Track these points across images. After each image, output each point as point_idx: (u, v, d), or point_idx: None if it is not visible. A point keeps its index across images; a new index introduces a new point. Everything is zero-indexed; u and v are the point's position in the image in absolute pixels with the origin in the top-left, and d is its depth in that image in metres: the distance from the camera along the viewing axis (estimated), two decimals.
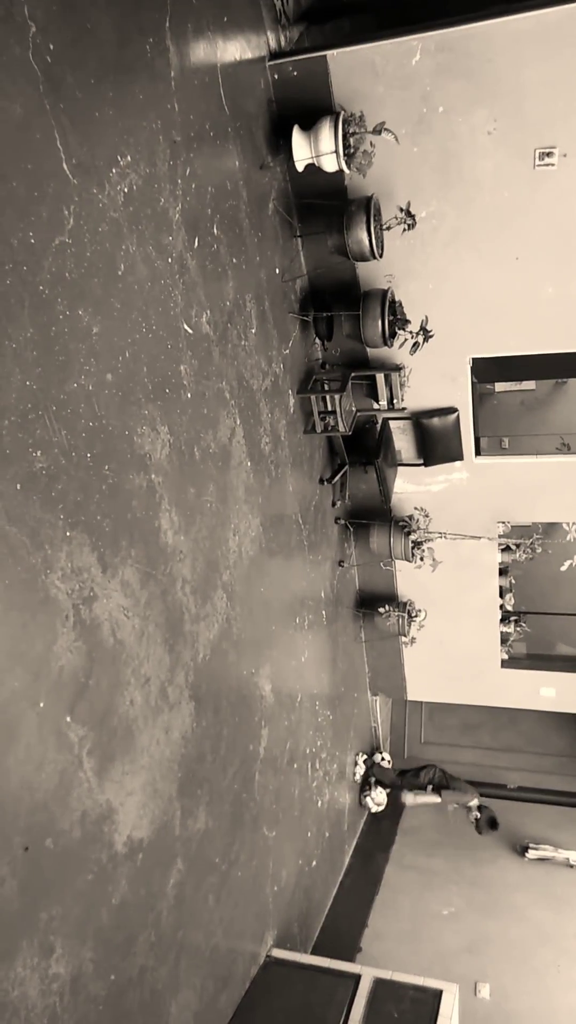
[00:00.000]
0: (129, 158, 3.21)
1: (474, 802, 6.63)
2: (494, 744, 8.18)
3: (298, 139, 4.65)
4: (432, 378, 5.90)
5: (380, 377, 5.88)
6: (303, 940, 5.67)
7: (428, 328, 5.46)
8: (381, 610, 6.78)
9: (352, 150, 4.58)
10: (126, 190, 3.19)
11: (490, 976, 5.86)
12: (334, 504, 6.41)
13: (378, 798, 7.34)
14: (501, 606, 6.94)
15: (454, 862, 7.01)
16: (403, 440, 6.33)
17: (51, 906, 2.80)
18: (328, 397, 5.42)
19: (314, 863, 5.95)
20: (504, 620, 7.03)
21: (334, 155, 4.58)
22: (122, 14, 3.16)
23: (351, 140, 4.57)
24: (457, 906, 6.56)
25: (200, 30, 3.85)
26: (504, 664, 7.25)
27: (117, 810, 3.18)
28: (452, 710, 8.26)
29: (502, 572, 6.83)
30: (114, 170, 3.11)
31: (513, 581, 6.97)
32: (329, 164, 4.66)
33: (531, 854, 6.90)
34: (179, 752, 3.70)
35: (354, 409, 5.92)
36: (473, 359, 5.79)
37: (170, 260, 3.58)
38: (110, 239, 3.10)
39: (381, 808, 7.37)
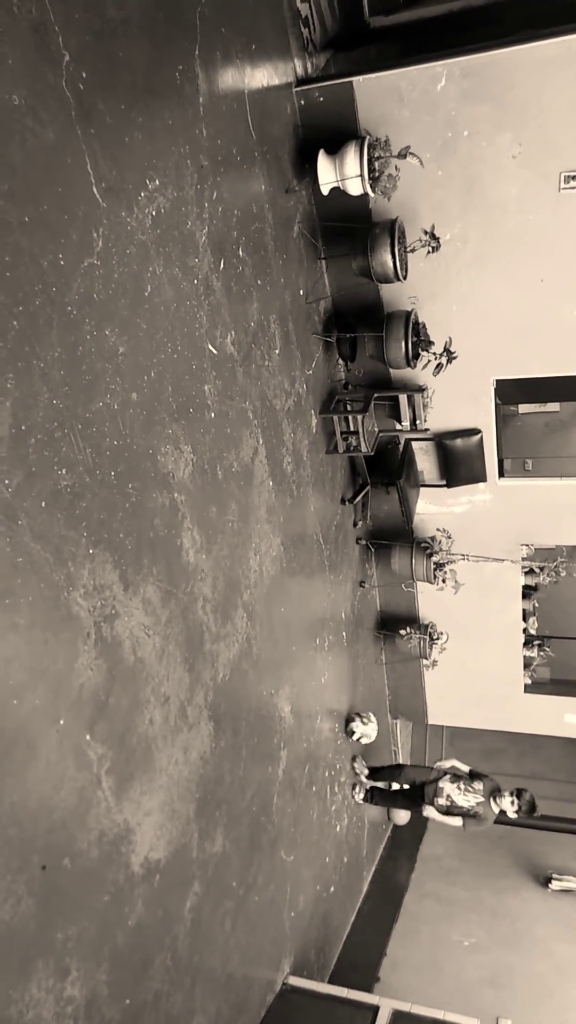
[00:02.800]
0: (157, 182, 3.26)
1: (505, 800, 5.43)
2: (517, 771, 8.03)
3: (324, 163, 4.70)
4: (455, 399, 5.88)
5: (403, 398, 5.88)
6: (320, 968, 5.57)
7: (452, 349, 5.46)
8: (402, 632, 6.72)
9: (377, 174, 4.62)
10: (154, 213, 3.24)
11: (512, 1012, 5.70)
12: (355, 524, 6.39)
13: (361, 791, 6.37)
14: (524, 630, 6.84)
15: (475, 891, 6.87)
16: (426, 461, 6.31)
17: (67, 927, 2.77)
18: (351, 417, 5.43)
19: (332, 889, 5.85)
20: (527, 644, 6.93)
21: (359, 179, 4.63)
22: (153, 43, 3.23)
23: (376, 164, 4.62)
24: (478, 937, 6.41)
25: (229, 57, 3.92)
26: (527, 689, 7.13)
27: (134, 830, 3.16)
28: (474, 735, 8.13)
29: (525, 595, 6.74)
30: (143, 193, 3.16)
31: (537, 604, 6.88)
32: (354, 188, 4.70)
33: (555, 885, 6.73)
34: (197, 773, 3.67)
35: (376, 430, 5.92)
36: (497, 380, 5.77)
37: (196, 282, 3.62)
38: (137, 261, 3.14)
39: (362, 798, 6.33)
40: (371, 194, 4.74)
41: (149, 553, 3.24)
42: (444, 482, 6.27)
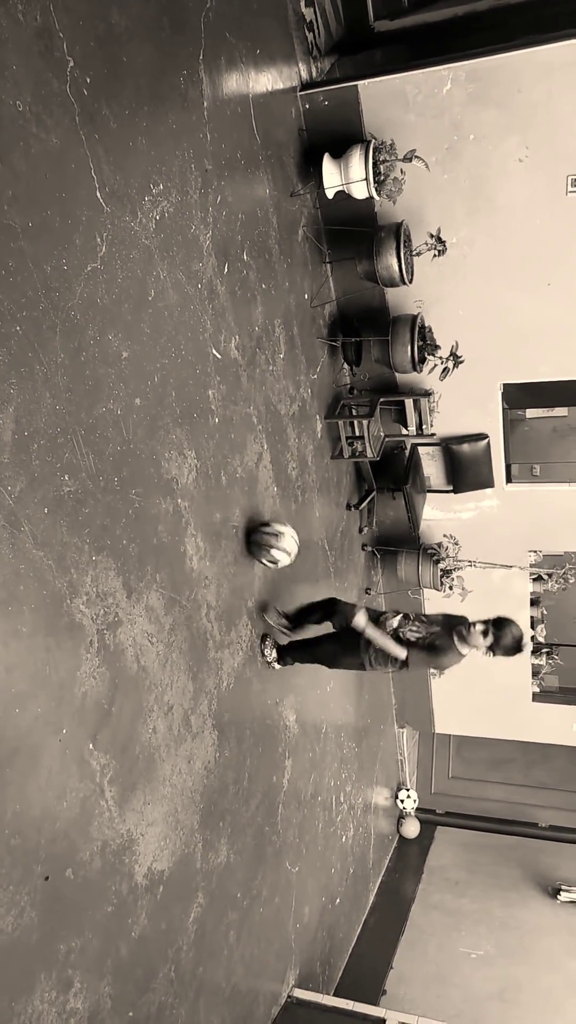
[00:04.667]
0: (161, 186, 3.24)
1: (475, 633, 3.89)
2: (525, 781, 7.93)
3: (328, 167, 4.68)
4: (462, 404, 5.84)
5: (409, 402, 5.84)
6: (326, 980, 5.50)
7: (458, 354, 5.43)
8: None
9: (382, 177, 4.61)
10: (158, 218, 3.22)
11: None
12: (361, 530, 6.34)
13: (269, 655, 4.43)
14: (532, 637, 6.78)
15: (483, 903, 6.79)
16: (432, 466, 6.27)
17: (70, 938, 2.74)
18: (356, 422, 5.39)
19: (338, 900, 5.79)
20: (536, 652, 6.86)
21: (364, 182, 4.61)
22: (157, 48, 3.22)
23: (381, 168, 4.60)
24: (486, 949, 6.33)
25: (233, 62, 3.91)
26: (535, 698, 7.06)
27: (138, 841, 3.12)
28: (481, 744, 8.05)
29: (533, 602, 6.68)
30: (146, 198, 3.14)
31: (545, 612, 6.81)
32: (359, 191, 4.68)
33: (563, 896, 6.64)
34: (201, 782, 3.63)
35: (382, 435, 5.88)
36: (504, 385, 5.73)
37: (200, 286, 3.60)
38: (141, 265, 3.12)
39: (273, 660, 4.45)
40: (376, 198, 4.72)
41: (152, 560, 3.21)
42: (451, 488, 6.22)
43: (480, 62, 4.57)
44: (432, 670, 4.04)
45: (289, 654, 4.42)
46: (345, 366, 5.80)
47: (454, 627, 4.03)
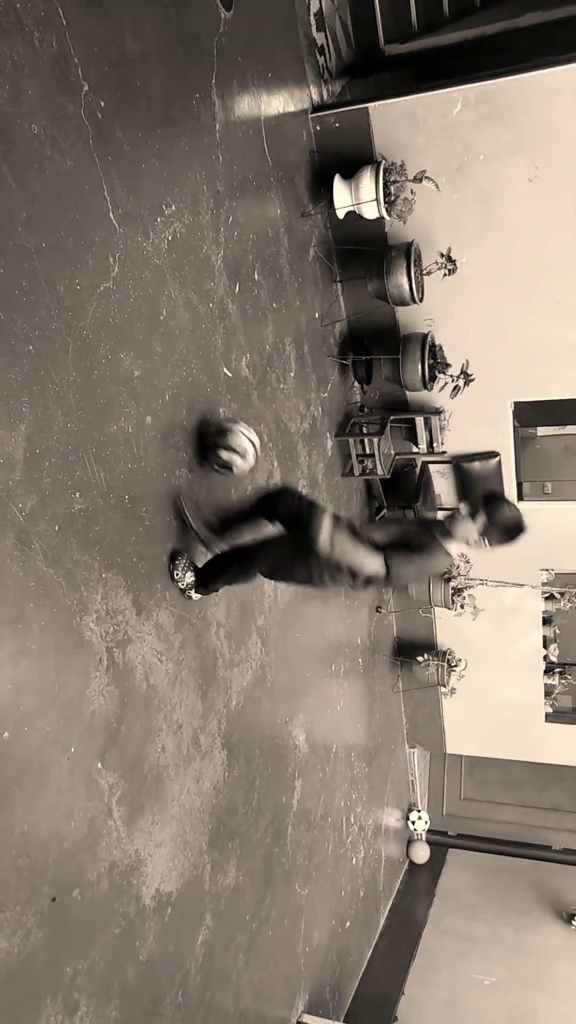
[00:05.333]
0: (174, 207, 3.28)
1: (462, 519, 3.10)
2: (538, 803, 7.82)
3: (339, 187, 4.72)
4: (473, 422, 5.83)
5: (420, 420, 5.84)
6: (336, 1007, 5.41)
7: (469, 372, 5.42)
8: (420, 659, 6.61)
9: (393, 197, 4.64)
10: (170, 238, 3.25)
11: None
12: None
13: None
14: (545, 657, 6.71)
15: (495, 927, 6.66)
16: (443, 484, 6.25)
17: (77, 961, 2.70)
18: (367, 440, 5.39)
19: (348, 924, 5.71)
20: (548, 672, 6.79)
21: (375, 202, 4.64)
22: (171, 72, 3.27)
23: (391, 188, 4.63)
24: (499, 976, 6.21)
25: (245, 85, 3.97)
26: (548, 718, 6.98)
27: (146, 862, 3.09)
28: (493, 765, 7.95)
29: (546, 621, 6.62)
30: (159, 219, 3.17)
31: (558, 631, 6.75)
32: (370, 211, 4.71)
33: None
34: (210, 803, 3.60)
35: (393, 453, 5.87)
36: (515, 403, 5.72)
37: (211, 305, 3.62)
38: (153, 285, 3.15)
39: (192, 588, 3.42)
40: (387, 218, 4.75)
41: (162, 578, 3.20)
42: None
43: (489, 84, 4.61)
44: (416, 583, 2.94)
45: (214, 578, 3.36)
46: (356, 384, 5.82)
47: (433, 525, 3.24)
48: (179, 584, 3.28)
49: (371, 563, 3.09)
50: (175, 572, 3.25)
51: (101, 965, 2.83)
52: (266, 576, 3.42)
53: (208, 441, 3.40)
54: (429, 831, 7.74)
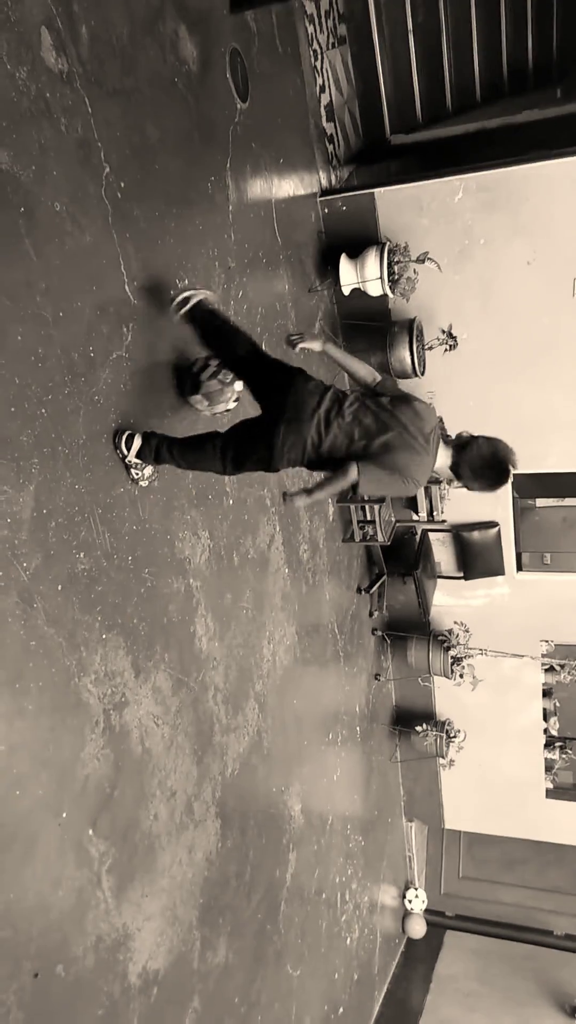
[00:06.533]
0: (187, 281, 3.42)
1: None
2: (539, 883, 7.54)
3: (345, 266, 4.92)
4: (472, 492, 5.89)
5: (420, 489, 5.91)
6: None
7: None
8: (418, 728, 6.50)
9: (396, 276, 4.83)
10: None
11: None
12: (371, 615, 6.31)
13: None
14: (545, 730, 6.60)
15: (496, 1018, 6.34)
16: (443, 552, 6.28)
17: None
18: (367, 507, 5.45)
19: (341, 1010, 5.44)
20: (549, 745, 6.67)
21: (379, 281, 4.83)
22: (188, 157, 3.46)
23: (395, 268, 4.83)
24: None
25: (258, 170, 4.19)
26: (549, 794, 6.81)
27: (134, 936, 2.99)
28: (493, 842, 7.70)
29: (546, 694, 6.54)
30: (171, 292, 3.30)
31: (558, 704, 6.66)
32: (374, 289, 4.89)
33: None
34: (202, 875, 3.50)
35: (393, 519, 5.93)
36: (514, 474, 5.79)
37: None
38: (165, 354, 3.25)
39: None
40: (390, 295, 4.94)
41: (162, 639, 3.20)
42: (461, 574, 6.22)
43: (490, 174, 4.87)
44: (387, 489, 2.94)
45: (164, 449, 2.94)
46: None
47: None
48: (126, 461, 2.92)
49: (361, 369, 3.05)
50: (120, 450, 2.89)
51: None
52: (230, 463, 2.95)
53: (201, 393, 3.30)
54: (427, 911, 7.45)
